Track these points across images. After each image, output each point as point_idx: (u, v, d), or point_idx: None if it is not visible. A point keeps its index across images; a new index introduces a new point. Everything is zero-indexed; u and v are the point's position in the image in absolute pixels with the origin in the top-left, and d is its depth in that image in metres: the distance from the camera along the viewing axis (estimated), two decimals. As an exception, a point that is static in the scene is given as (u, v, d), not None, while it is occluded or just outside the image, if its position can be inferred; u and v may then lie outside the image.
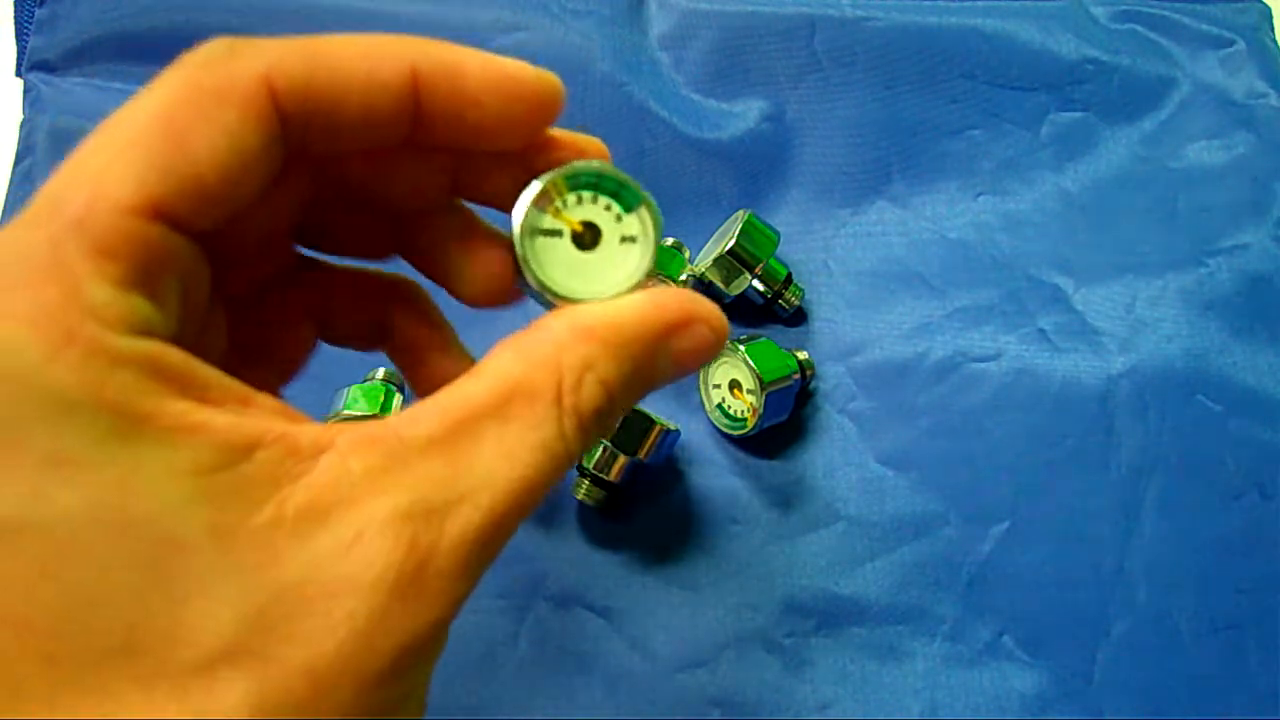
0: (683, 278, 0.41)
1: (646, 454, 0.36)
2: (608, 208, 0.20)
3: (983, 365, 0.40)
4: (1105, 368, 0.39)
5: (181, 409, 0.15)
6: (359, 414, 0.36)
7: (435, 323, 0.24)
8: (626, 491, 0.38)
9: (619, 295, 0.20)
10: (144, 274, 0.16)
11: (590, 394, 0.18)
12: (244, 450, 0.15)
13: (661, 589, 0.37)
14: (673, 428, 0.37)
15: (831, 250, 0.44)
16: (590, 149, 0.21)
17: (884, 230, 0.44)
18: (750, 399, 0.38)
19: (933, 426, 0.39)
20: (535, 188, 0.20)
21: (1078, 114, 0.44)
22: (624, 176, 0.20)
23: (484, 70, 0.19)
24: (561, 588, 0.37)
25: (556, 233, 0.20)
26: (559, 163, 0.20)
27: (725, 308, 0.42)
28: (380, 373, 0.38)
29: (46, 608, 0.14)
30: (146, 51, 0.44)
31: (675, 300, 0.19)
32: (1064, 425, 0.39)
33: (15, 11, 0.45)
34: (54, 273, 0.15)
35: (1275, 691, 0.35)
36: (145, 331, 0.15)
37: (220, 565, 0.14)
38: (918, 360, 0.41)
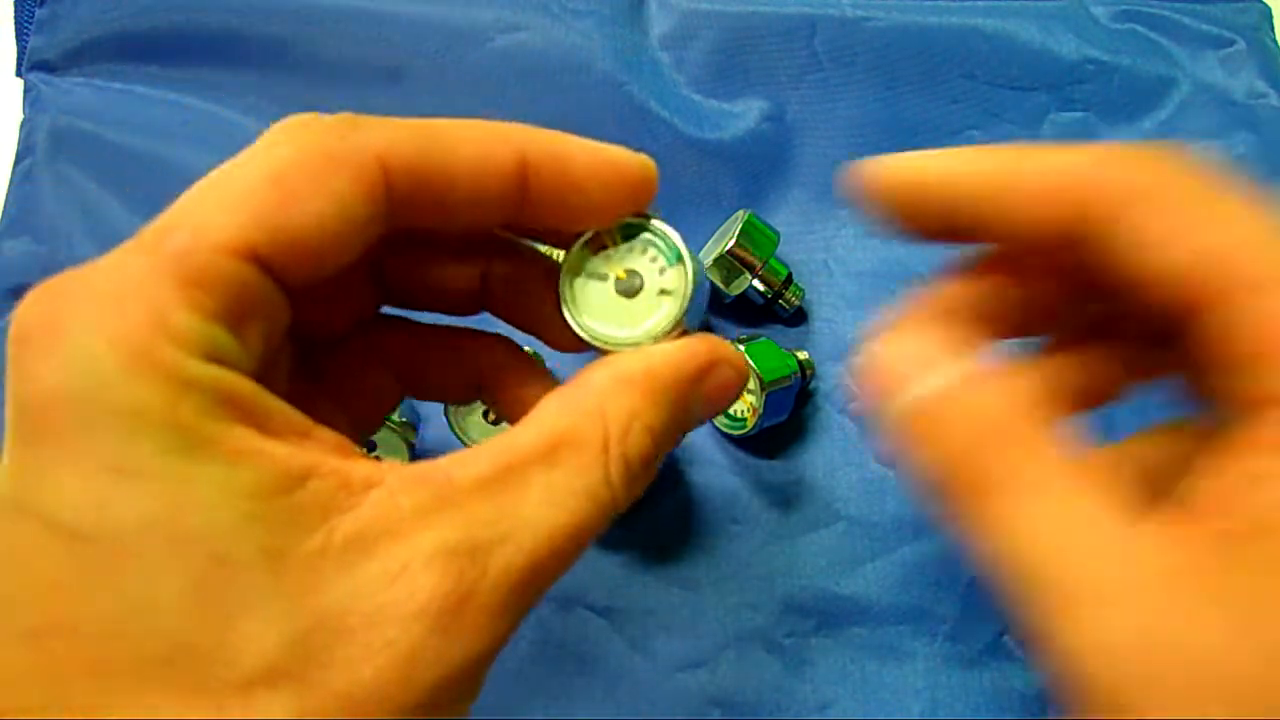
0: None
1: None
2: (653, 259, 0.21)
3: (983, 365, 0.40)
4: (1105, 368, 0.39)
5: (243, 434, 0.16)
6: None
7: (533, 377, 0.24)
8: (627, 491, 0.38)
9: (648, 343, 0.20)
10: (230, 309, 0.16)
11: (638, 441, 0.18)
12: (299, 478, 0.16)
13: (661, 589, 0.37)
14: (673, 428, 0.37)
15: (832, 250, 0.43)
16: (642, 193, 0.21)
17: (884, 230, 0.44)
18: (750, 399, 0.38)
19: (933, 426, 0.39)
20: (589, 232, 0.21)
21: (1078, 114, 0.44)
22: (672, 234, 0.21)
23: (589, 158, 0.19)
24: (562, 588, 0.37)
25: (603, 277, 0.21)
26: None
27: (725, 308, 0.42)
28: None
29: (97, 615, 0.14)
30: (146, 51, 0.44)
31: (703, 346, 0.20)
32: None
33: (15, 11, 0.45)
34: (144, 296, 0.15)
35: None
36: (220, 360, 0.16)
37: (268, 587, 0.15)
38: (918, 360, 0.40)
